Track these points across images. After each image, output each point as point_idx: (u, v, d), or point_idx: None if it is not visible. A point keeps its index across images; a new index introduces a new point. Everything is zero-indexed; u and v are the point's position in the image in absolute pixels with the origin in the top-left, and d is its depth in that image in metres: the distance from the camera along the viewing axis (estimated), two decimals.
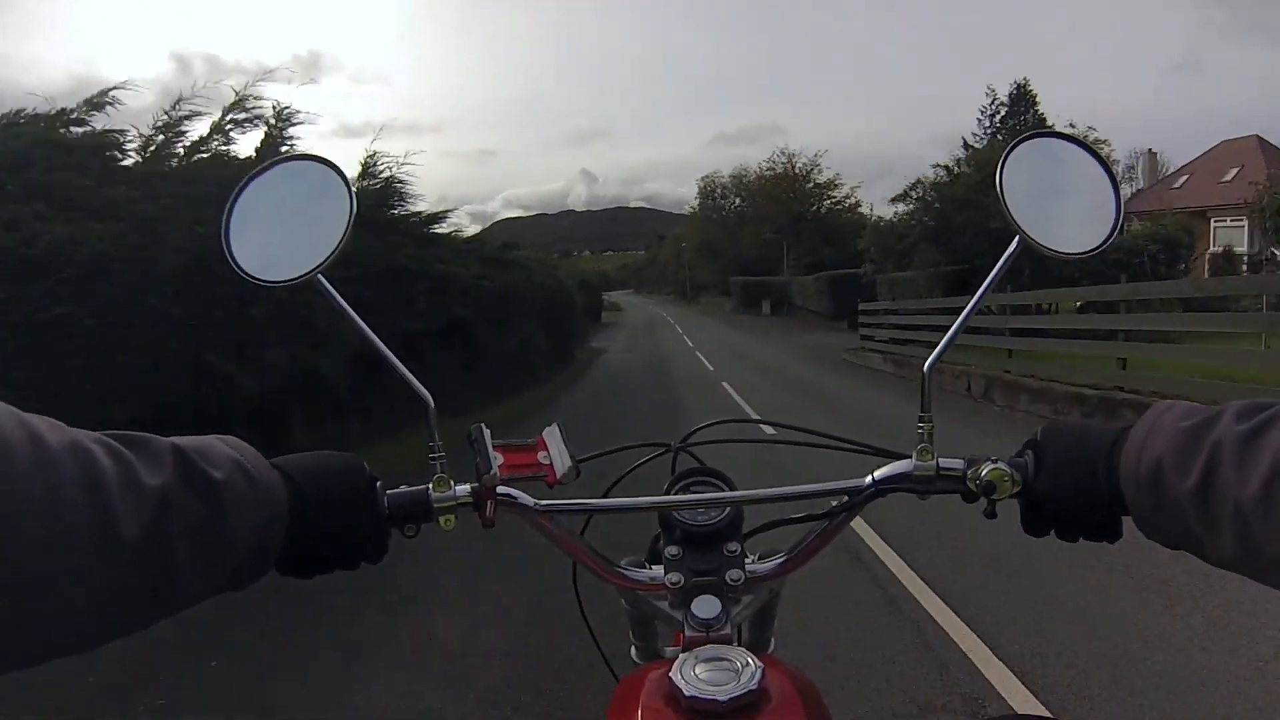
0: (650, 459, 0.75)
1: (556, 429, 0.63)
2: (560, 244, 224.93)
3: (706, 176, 52.83)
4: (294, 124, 6.45)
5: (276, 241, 0.61)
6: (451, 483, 0.58)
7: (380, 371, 0.65)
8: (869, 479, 0.63)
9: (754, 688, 0.47)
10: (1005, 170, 0.61)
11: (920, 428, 0.61)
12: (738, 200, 50.18)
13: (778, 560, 0.65)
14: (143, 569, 0.39)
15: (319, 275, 0.58)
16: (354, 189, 0.60)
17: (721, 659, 0.50)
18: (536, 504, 0.62)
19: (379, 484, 0.56)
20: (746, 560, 0.64)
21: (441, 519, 0.58)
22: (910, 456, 0.61)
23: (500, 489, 0.59)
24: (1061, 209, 0.62)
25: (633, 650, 0.73)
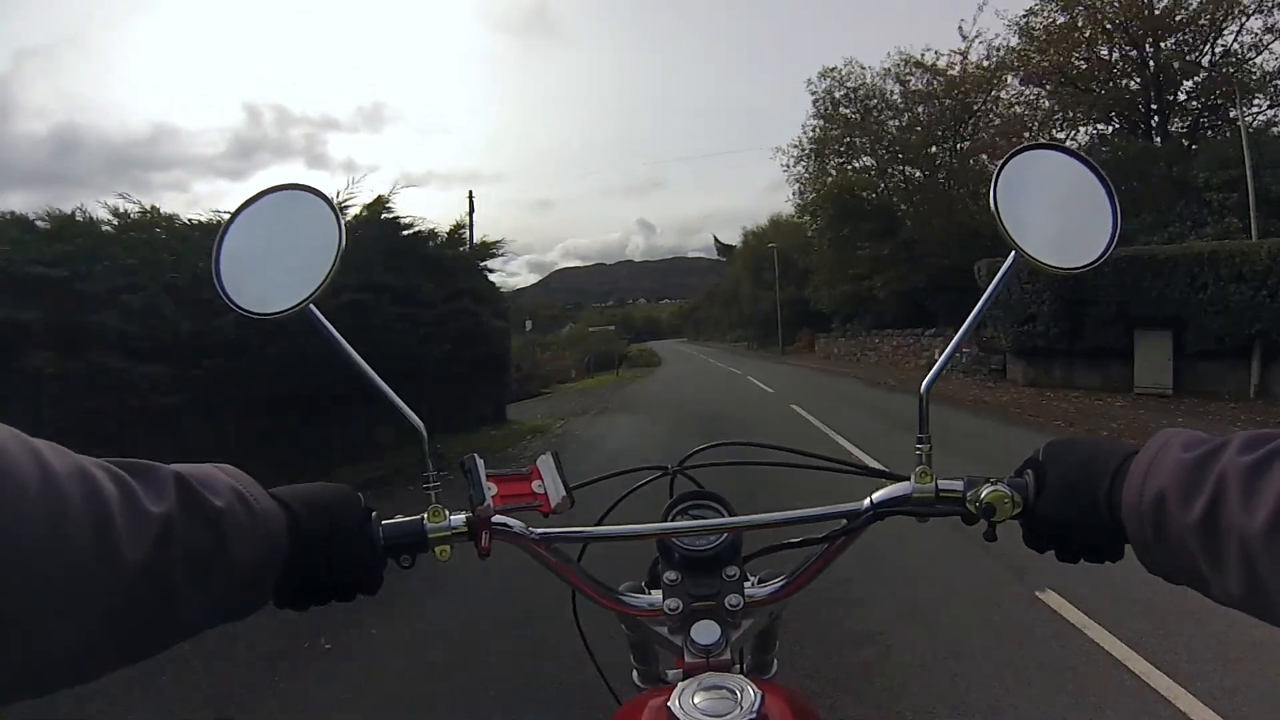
0: (646, 483, 0.75)
1: (550, 458, 0.63)
2: (617, 293, 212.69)
3: (828, 69, 22.73)
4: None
5: (267, 273, 0.61)
6: (446, 513, 0.58)
7: None
8: (867, 502, 0.62)
9: (753, 717, 0.47)
10: (1000, 183, 0.60)
11: (918, 449, 0.60)
12: (919, 112, 20.97)
13: (777, 584, 0.65)
14: (145, 595, 0.38)
15: (310, 306, 0.59)
16: (342, 217, 0.60)
17: (720, 687, 0.49)
18: (532, 533, 0.62)
19: (374, 515, 0.56)
20: (746, 584, 0.64)
21: (437, 549, 0.58)
22: (909, 478, 0.60)
23: (495, 518, 0.59)
24: (1058, 223, 0.61)
25: (634, 674, 0.72)
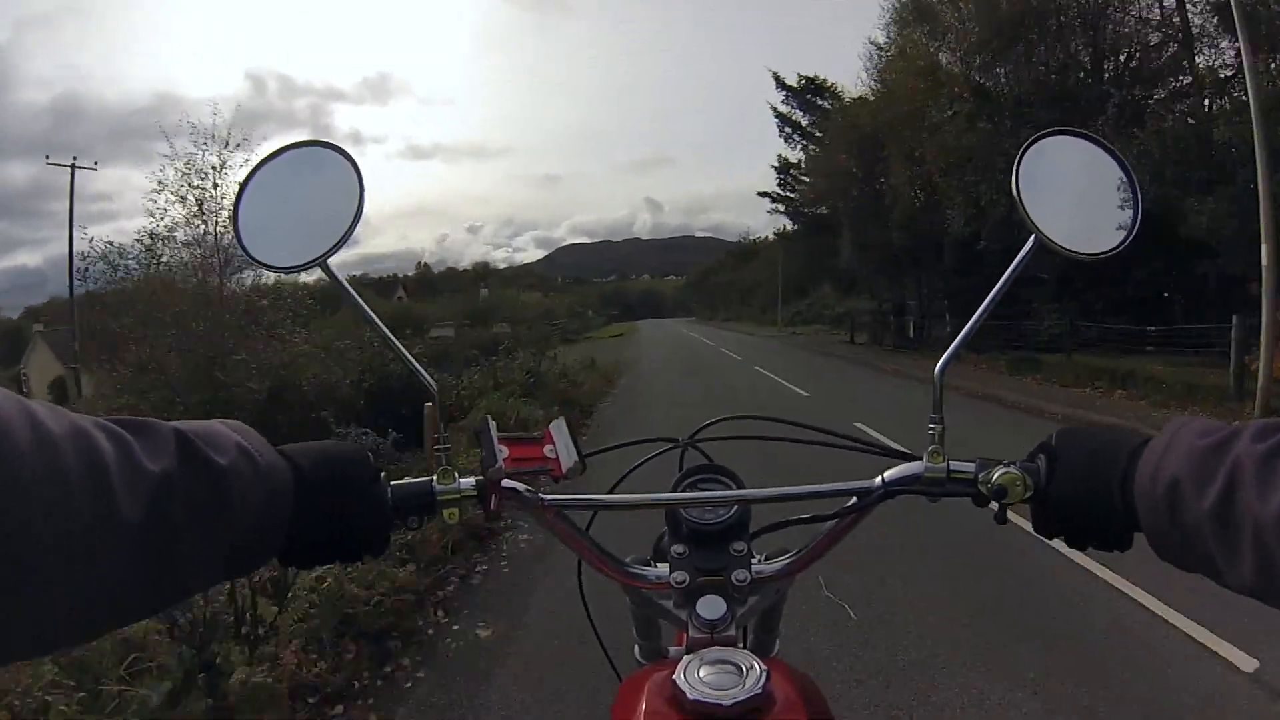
0: (657, 454, 0.74)
1: (563, 423, 0.63)
2: (622, 269, 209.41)
3: None
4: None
5: (286, 227, 0.61)
6: (456, 475, 0.58)
7: None
8: (878, 480, 0.62)
9: (758, 692, 0.46)
10: (1021, 168, 0.60)
11: (931, 429, 0.60)
12: None
13: (785, 561, 0.64)
14: (145, 553, 0.38)
15: (327, 261, 0.58)
16: (363, 175, 0.60)
17: (726, 662, 0.49)
18: (542, 498, 0.61)
19: (383, 475, 0.56)
20: (753, 560, 0.63)
21: (445, 512, 0.58)
22: (921, 458, 0.60)
23: (505, 482, 0.59)
24: (1079, 208, 0.61)
25: (636, 649, 0.72)
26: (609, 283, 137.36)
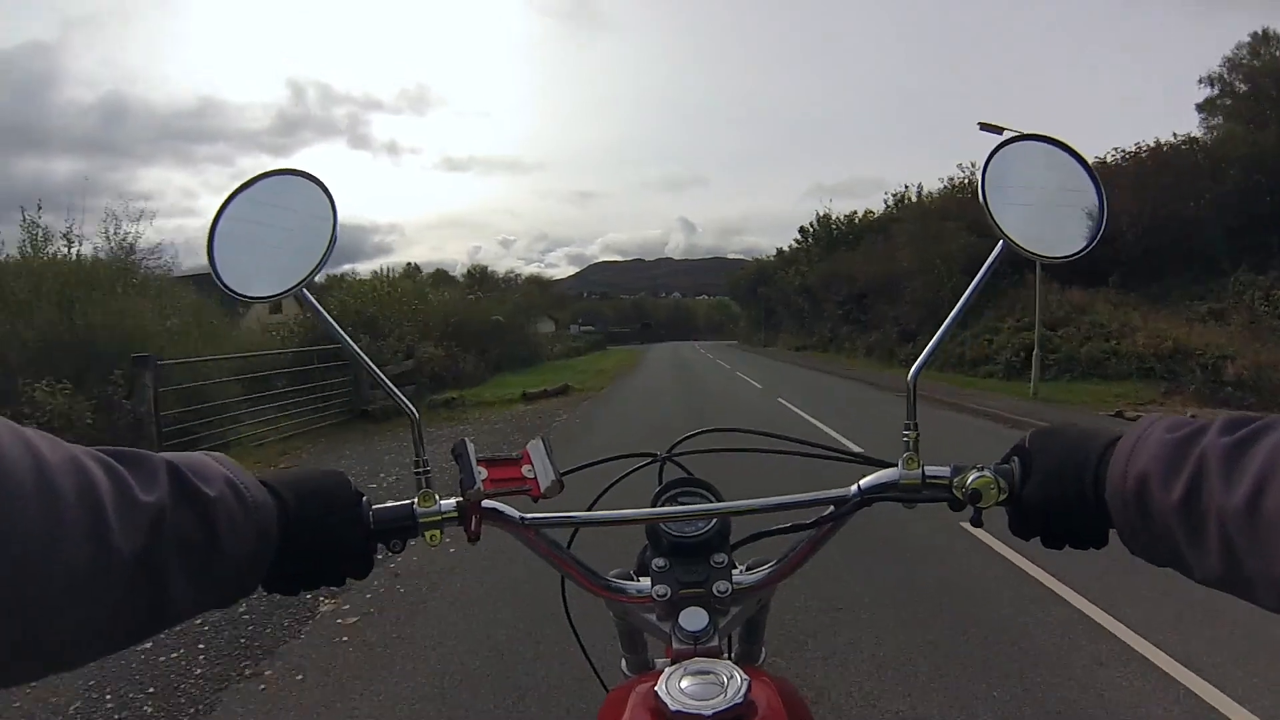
0: (636, 470, 0.75)
1: (540, 443, 0.63)
2: (652, 289, 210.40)
3: None
4: None
5: (260, 256, 0.61)
6: (437, 497, 0.59)
7: None
8: (855, 488, 0.62)
9: (739, 701, 0.46)
10: (988, 174, 0.60)
11: (906, 436, 0.60)
12: None
13: (765, 571, 0.65)
14: (138, 585, 0.39)
15: (303, 289, 0.59)
16: (336, 202, 0.60)
17: (707, 672, 0.49)
18: (522, 517, 0.62)
19: (364, 500, 0.56)
20: (734, 571, 0.64)
21: (427, 534, 0.58)
22: (896, 465, 0.60)
23: (486, 503, 0.59)
24: (1046, 212, 0.61)
25: (623, 662, 0.73)
26: (639, 297, 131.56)
